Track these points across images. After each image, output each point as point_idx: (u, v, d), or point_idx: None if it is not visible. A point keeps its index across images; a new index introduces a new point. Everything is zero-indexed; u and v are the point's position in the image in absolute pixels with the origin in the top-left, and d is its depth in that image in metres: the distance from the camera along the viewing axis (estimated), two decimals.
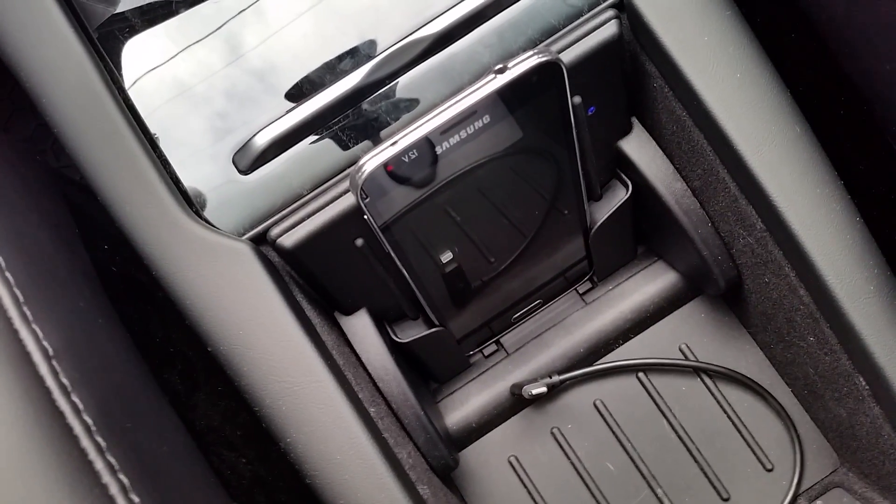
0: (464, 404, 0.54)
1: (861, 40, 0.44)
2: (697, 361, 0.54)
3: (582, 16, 0.43)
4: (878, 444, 0.46)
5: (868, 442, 0.47)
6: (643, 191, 0.50)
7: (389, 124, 0.43)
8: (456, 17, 0.42)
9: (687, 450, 0.53)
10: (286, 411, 0.41)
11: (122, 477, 0.31)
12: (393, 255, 0.43)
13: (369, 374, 0.47)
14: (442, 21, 0.42)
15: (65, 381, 0.32)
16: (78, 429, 0.31)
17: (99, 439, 0.31)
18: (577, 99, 0.42)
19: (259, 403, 0.42)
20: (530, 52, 0.38)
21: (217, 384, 0.55)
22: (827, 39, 0.46)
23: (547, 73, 0.38)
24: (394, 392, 0.47)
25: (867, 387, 0.44)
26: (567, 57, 0.42)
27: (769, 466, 0.53)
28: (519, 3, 0.43)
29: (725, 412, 0.54)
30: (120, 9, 0.44)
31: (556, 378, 0.52)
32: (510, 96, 0.38)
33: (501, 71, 0.38)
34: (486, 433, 0.55)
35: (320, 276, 0.44)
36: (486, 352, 0.56)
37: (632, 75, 0.47)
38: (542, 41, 0.43)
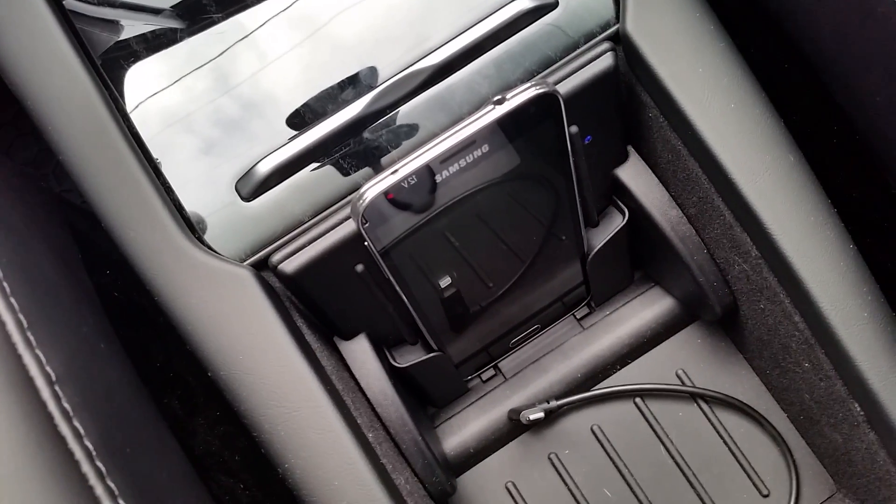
0: (461, 429, 0.54)
1: (851, 72, 0.45)
2: (694, 387, 0.55)
3: (578, 48, 0.44)
4: (873, 470, 0.46)
5: (864, 467, 0.47)
6: (639, 218, 0.50)
7: (389, 152, 0.43)
8: (455, 49, 0.43)
9: (684, 475, 0.54)
10: (285, 436, 0.41)
11: (121, 502, 0.31)
12: (392, 280, 0.43)
13: (368, 399, 0.47)
14: (442, 52, 0.43)
15: (66, 406, 0.32)
16: (79, 454, 0.31)
17: (99, 464, 0.32)
18: (574, 128, 0.43)
19: (258, 428, 0.42)
20: (528, 84, 0.39)
21: (216, 409, 0.55)
22: (819, 70, 0.47)
23: (544, 103, 0.39)
24: (392, 417, 0.47)
25: (862, 412, 0.44)
26: (564, 88, 0.43)
27: (765, 492, 0.53)
28: (517, 35, 0.44)
29: (722, 438, 0.54)
30: (123, 36, 0.44)
31: (553, 403, 0.52)
32: (509, 126, 0.39)
33: (500, 102, 0.38)
34: (484, 459, 0.55)
35: (320, 301, 0.45)
36: (484, 377, 0.56)
37: (627, 105, 0.48)
38: (540, 73, 0.44)
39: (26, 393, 0.32)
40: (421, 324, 0.47)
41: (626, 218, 0.51)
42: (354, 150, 0.43)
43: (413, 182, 0.38)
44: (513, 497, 0.54)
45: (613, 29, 0.45)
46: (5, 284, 0.34)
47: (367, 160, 0.43)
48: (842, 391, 0.45)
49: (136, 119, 0.43)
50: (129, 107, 0.44)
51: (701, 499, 0.53)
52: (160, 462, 0.40)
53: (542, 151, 0.42)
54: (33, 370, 0.32)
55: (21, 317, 0.34)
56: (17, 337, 0.33)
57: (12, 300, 0.34)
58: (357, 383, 0.47)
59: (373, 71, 0.44)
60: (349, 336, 0.48)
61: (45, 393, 0.32)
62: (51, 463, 0.30)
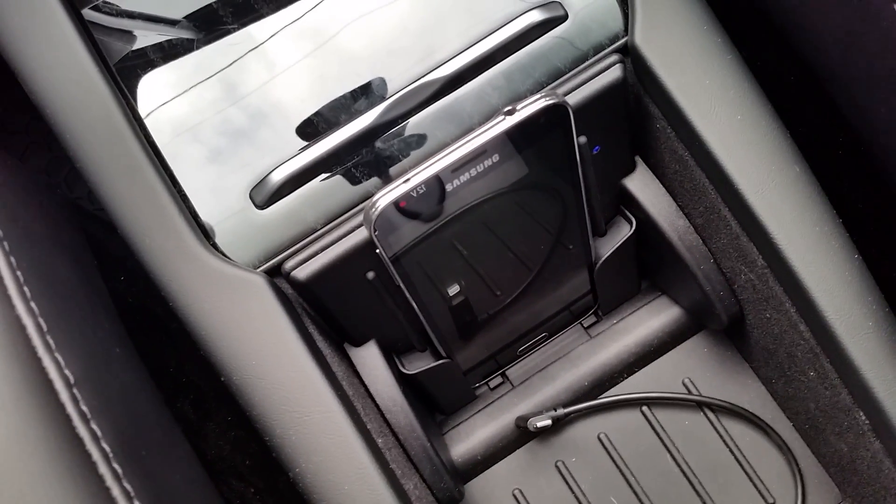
0: (469, 436, 0.54)
1: (858, 84, 0.45)
2: (700, 396, 0.55)
3: (587, 60, 0.45)
4: (879, 479, 0.47)
5: (869, 476, 0.47)
6: (647, 227, 0.51)
7: (401, 161, 0.44)
8: (466, 61, 0.44)
9: (690, 484, 0.54)
10: (296, 441, 0.42)
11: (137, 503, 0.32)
12: (403, 287, 0.44)
13: (377, 405, 0.48)
14: (453, 64, 0.44)
15: (84, 408, 0.33)
16: (96, 455, 0.32)
17: (116, 466, 0.32)
18: (583, 139, 0.43)
19: (270, 433, 0.42)
20: (538, 95, 0.39)
21: (227, 414, 0.55)
22: (824, 82, 0.48)
23: (554, 114, 0.40)
24: (401, 423, 0.47)
25: (867, 421, 0.45)
26: (573, 99, 0.44)
27: (771, 500, 0.53)
28: (527, 47, 0.45)
29: (728, 446, 0.54)
30: (138, 45, 0.45)
31: (560, 411, 0.53)
32: (518, 136, 0.40)
33: (510, 112, 0.39)
34: (491, 466, 0.55)
35: (332, 307, 0.45)
36: (492, 384, 0.56)
37: (635, 116, 0.48)
38: (549, 84, 0.44)
39: (46, 395, 0.32)
40: (430, 331, 0.48)
41: (634, 227, 0.51)
42: (366, 159, 0.44)
43: (424, 191, 0.39)
44: None
45: (622, 41, 0.45)
46: (26, 289, 0.35)
47: (378, 169, 0.44)
48: (847, 400, 0.45)
49: (151, 127, 0.44)
50: (144, 115, 0.44)
51: None
52: (174, 465, 0.40)
53: (551, 161, 0.43)
54: (52, 373, 0.33)
55: (41, 321, 0.34)
56: (37, 341, 0.34)
57: (32, 304, 0.35)
58: (367, 389, 0.48)
59: (385, 82, 0.44)
60: (359, 343, 0.48)
61: (64, 395, 0.33)
62: (69, 464, 0.31)
